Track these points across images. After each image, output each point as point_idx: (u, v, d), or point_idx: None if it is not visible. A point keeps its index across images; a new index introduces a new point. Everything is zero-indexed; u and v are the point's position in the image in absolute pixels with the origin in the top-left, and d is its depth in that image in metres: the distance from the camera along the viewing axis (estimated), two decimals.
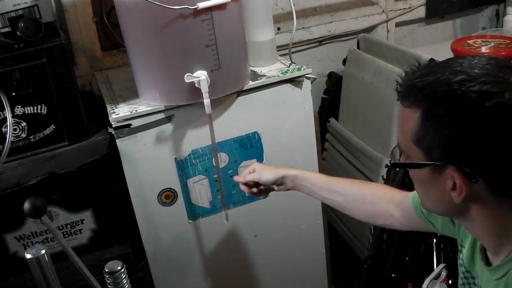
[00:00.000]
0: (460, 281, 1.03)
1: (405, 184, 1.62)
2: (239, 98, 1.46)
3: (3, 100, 1.25)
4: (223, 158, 1.50)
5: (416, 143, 0.81)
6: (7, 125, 1.26)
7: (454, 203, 0.82)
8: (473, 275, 0.98)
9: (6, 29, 1.36)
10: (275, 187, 1.30)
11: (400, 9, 2.25)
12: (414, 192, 1.09)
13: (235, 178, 1.36)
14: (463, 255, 1.00)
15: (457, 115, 0.75)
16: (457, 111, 0.75)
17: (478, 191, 0.80)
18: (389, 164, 1.79)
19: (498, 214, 0.83)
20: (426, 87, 0.79)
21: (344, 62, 2.11)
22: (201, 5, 1.24)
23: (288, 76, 1.49)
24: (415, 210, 1.11)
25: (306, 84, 1.51)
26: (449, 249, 1.55)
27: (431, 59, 1.67)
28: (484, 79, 0.75)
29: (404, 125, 0.84)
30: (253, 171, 1.31)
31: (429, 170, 0.82)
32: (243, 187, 1.33)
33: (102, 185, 1.41)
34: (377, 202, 1.19)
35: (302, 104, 1.53)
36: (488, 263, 0.92)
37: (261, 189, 1.32)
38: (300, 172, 1.27)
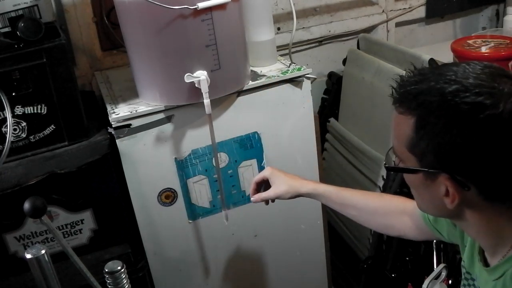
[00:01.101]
0: (462, 282, 1.03)
1: (405, 185, 1.61)
2: (239, 98, 1.46)
3: (3, 100, 1.25)
4: (223, 158, 1.50)
5: (409, 149, 0.82)
6: (7, 125, 1.26)
7: (447, 209, 0.83)
8: (473, 276, 0.98)
9: (6, 29, 1.36)
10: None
11: (400, 9, 2.25)
12: None
13: (254, 198, 1.32)
14: (464, 256, 1.01)
15: (450, 125, 0.76)
16: (450, 121, 0.76)
17: (471, 198, 0.80)
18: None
19: (491, 218, 0.84)
20: (420, 95, 0.79)
21: (344, 62, 2.11)
22: (201, 5, 1.24)
23: (288, 76, 1.49)
24: (423, 218, 1.12)
25: (306, 84, 1.51)
26: (449, 249, 1.55)
27: (431, 59, 1.67)
28: (478, 90, 0.75)
29: (398, 131, 0.84)
30: (260, 179, 1.31)
31: (422, 175, 0.83)
32: (256, 198, 1.32)
33: (102, 185, 1.41)
34: (390, 214, 1.20)
35: (302, 104, 1.53)
36: (486, 263, 0.92)
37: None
38: (313, 188, 1.26)
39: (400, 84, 0.83)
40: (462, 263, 1.02)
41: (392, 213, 1.19)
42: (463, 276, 1.02)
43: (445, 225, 1.07)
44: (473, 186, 0.79)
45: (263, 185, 1.33)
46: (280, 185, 1.27)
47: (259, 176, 1.32)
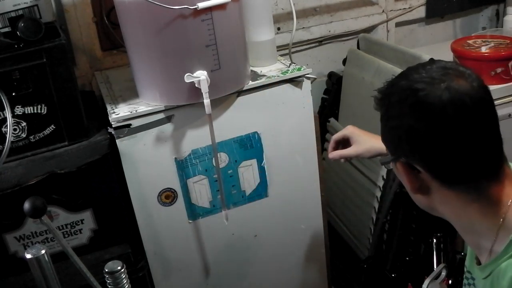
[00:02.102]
0: (463, 282, 1.03)
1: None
2: (239, 98, 1.46)
3: (3, 100, 1.25)
4: (223, 158, 1.50)
5: (384, 143, 0.92)
6: (7, 125, 1.26)
7: (417, 199, 0.90)
8: (473, 276, 0.98)
9: (6, 29, 1.36)
10: None
11: (400, 9, 2.25)
12: None
13: (333, 155, 1.32)
14: (467, 255, 1.02)
15: (392, 112, 0.85)
16: (391, 108, 0.85)
17: (427, 182, 0.86)
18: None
19: (459, 208, 0.86)
20: (382, 91, 0.89)
21: (344, 62, 2.11)
22: (201, 5, 1.24)
23: (288, 76, 1.49)
24: None
25: (306, 84, 1.51)
26: (449, 249, 1.55)
27: (431, 59, 1.67)
28: (420, 80, 0.82)
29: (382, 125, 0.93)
30: (340, 138, 1.32)
31: (394, 166, 0.91)
32: (334, 154, 1.33)
33: (102, 185, 1.41)
34: None
35: (302, 104, 1.53)
36: (478, 262, 0.93)
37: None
38: None
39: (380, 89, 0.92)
40: (466, 262, 1.03)
41: None
42: (464, 275, 1.02)
43: None
44: (422, 168, 0.84)
45: (340, 146, 1.34)
46: (362, 143, 1.29)
47: (339, 134, 1.33)
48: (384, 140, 0.91)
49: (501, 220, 0.84)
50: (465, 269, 1.02)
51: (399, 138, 0.84)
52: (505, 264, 0.83)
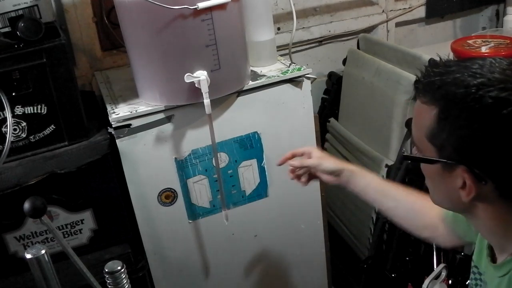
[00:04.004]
0: (470, 277, 1.03)
1: (405, 185, 1.61)
2: (239, 98, 1.46)
3: (3, 100, 1.25)
4: (223, 158, 1.50)
5: (429, 139, 0.82)
6: (7, 125, 1.26)
7: (461, 201, 0.83)
8: (480, 270, 0.98)
9: (6, 29, 1.36)
10: (326, 176, 1.26)
11: (400, 9, 2.25)
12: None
13: (290, 162, 1.29)
14: (474, 250, 1.01)
15: (472, 118, 0.75)
16: (472, 114, 0.75)
17: (486, 192, 0.80)
18: (389, 164, 1.79)
19: (503, 215, 0.84)
20: (444, 86, 0.79)
21: (344, 62, 2.11)
22: (201, 5, 1.24)
23: (288, 76, 1.49)
24: (445, 217, 1.11)
25: (306, 84, 1.51)
26: (449, 249, 1.55)
27: (431, 59, 1.67)
28: (503, 86, 0.75)
29: (419, 120, 0.84)
30: (306, 154, 1.28)
31: (440, 166, 0.83)
32: (290, 173, 1.29)
33: (102, 185, 1.41)
34: (425, 213, 1.18)
35: (302, 104, 1.53)
36: (493, 259, 0.93)
37: (307, 176, 1.29)
38: (358, 169, 1.25)
39: (425, 74, 0.83)
40: (473, 256, 1.02)
41: (428, 212, 1.18)
42: (471, 270, 1.02)
43: (461, 224, 1.07)
44: (490, 181, 0.79)
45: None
46: (325, 156, 1.27)
47: (299, 149, 1.30)
48: (434, 137, 0.81)
49: None
50: (472, 264, 1.02)
51: (466, 143, 0.77)
52: None
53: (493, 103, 0.74)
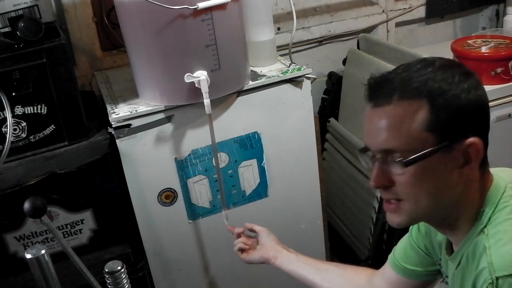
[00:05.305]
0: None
1: None
2: (239, 98, 1.46)
3: (3, 100, 1.25)
4: (223, 158, 1.50)
5: (430, 129, 0.82)
6: (7, 125, 1.26)
7: (452, 190, 0.85)
8: (447, 274, 0.99)
9: (6, 29, 1.36)
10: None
11: (400, 9, 2.25)
12: (391, 254, 1.14)
13: (237, 230, 1.36)
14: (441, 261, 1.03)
15: (455, 89, 0.82)
16: (454, 85, 0.83)
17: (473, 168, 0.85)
18: None
19: (474, 193, 0.87)
20: (418, 84, 0.84)
21: (344, 62, 2.11)
22: (201, 5, 1.24)
23: (288, 76, 1.49)
24: (394, 266, 1.12)
25: (306, 84, 1.51)
26: None
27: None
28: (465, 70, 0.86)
29: (409, 121, 0.83)
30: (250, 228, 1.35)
31: (439, 155, 0.82)
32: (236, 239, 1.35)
33: (102, 185, 1.41)
34: (356, 281, 1.20)
35: (302, 104, 1.53)
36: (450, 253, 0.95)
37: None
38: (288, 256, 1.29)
39: (376, 79, 0.89)
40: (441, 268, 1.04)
41: (359, 280, 1.20)
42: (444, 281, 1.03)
43: (415, 256, 1.08)
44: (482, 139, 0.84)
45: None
46: (264, 246, 1.33)
47: (250, 225, 1.36)
48: (440, 126, 0.83)
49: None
50: (443, 274, 1.02)
51: (472, 112, 0.83)
52: (474, 241, 0.85)
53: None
